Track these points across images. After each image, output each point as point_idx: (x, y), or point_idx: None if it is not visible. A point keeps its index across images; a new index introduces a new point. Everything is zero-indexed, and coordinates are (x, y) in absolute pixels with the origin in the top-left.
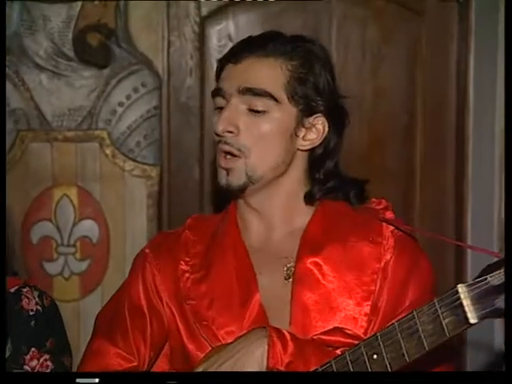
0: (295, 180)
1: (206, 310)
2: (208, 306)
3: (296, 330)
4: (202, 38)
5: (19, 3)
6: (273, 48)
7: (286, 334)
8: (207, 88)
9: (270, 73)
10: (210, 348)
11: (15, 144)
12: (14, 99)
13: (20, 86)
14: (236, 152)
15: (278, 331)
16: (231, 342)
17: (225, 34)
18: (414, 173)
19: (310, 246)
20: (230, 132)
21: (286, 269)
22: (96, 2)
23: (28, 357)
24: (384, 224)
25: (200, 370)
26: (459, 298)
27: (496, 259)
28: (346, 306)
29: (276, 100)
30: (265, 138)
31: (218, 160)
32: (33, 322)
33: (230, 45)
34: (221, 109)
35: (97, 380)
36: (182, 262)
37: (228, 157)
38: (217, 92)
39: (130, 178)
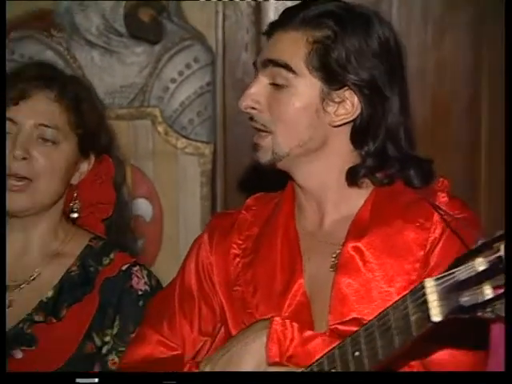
0: (338, 158)
1: (251, 297)
2: (253, 293)
3: (334, 319)
4: (258, 12)
5: None
6: (302, 18)
7: (293, 325)
8: None
9: (291, 44)
10: None
11: None
12: None
13: (72, 63)
14: (262, 128)
15: (283, 323)
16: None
17: (282, 8)
18: (480, 148)
19: (356, 231)
20: (254, 108)
21: (334, 256)
22: None
23: (134, 336)
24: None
25: (203, 363)
26: (424, 294)
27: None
28: (385, 295)
29: (295, 72)
30: (287, 113)
31: None
32: (141, 302)
33: None
34: None
35: (96, 380)
36: (235, 246)
37: (260, 133)
38: (253, 65)
39: (183, 155)
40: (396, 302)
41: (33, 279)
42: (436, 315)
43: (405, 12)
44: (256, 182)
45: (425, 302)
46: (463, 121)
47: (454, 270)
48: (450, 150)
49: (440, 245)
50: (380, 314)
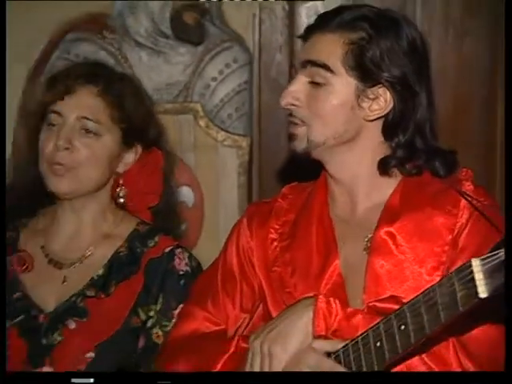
0: (368, 150)
1: (289, 277)
2: (291, 274)
3: (368, 298)
4: (291, 16)
5: None
6: (339, 22)
7: (336, 302)
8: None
9: (329, 45)
10: None
11: None
12: None
13: (123, 62)
14: (300, 123)
15: (327, 300)
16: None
17: (313, 11)
18: (495, 145)
19: (388, 217)
20: (293, 105)
21: (366, 240)
22: None
23: (176, 312)
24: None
25: (251, 339)
26: (472, 272)
27: None
28: (417, 275)
29: (332, 71)
30: (324, 109)
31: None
32: (182, 282)
33: None
34: None
35: (92, 380)
36: (272, 231)
37: (293, 124)
38: (291, 67)
39: (223, 147)
40: (441, 280)
41: (85, 258)
42: (483, 292)
43: (427, 16)
44: (288, 172)
45: (472, 280)
46: (480, 119)
47: (498, 251)
48: (467, 147)
49: (467, 229)
50: (425, 291)
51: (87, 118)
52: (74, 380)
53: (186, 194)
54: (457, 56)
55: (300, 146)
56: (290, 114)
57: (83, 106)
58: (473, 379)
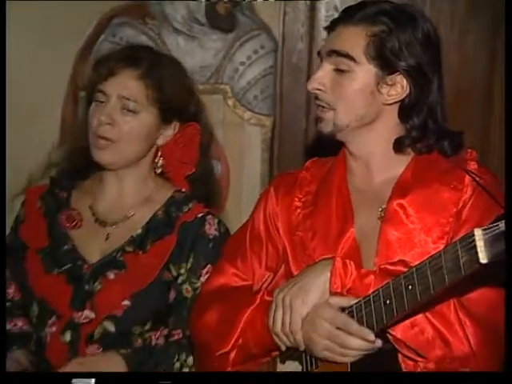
0: (385, 130)
1: (310, 241)
2: (312, 238)
3: (380, 261)
4: (312, 9)
5: None
6: (361, 16)
7: (351, 264)
8: (315, 51)
9: (352, 37)
10: None
11: None
12: None
13: (161, 46)
14: (326, 106)
15: (343, 262)
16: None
17: (332, 6)
18: (490, 131)
19: (400, 190)
20: (319, 89)
21: (380, 210)
22: None
23: (204, 271)
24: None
25: (275, 292)
26: (474, 240)
27: None
28: (424, 243)
29: (355, 60)
30: (347, 93)
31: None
32: (211, 245)
33: (336, 15)
34: None
35: (92, 381)
36: (296, 199)
37: (321, 108)
38: (318, 54)
39: (248, 125)
40: (446, 247)
41: (127, 219)
42: (483, 258)
43: (434, 15)
44: (306, 148)
45: (474, 247)
46: (478, 109)
47: (498, 223)
48: (467, 126)
49: (470, 203)
50: (431, 256)
51: (127, 98)
52: (74, 380)
53: (215, 166)
54: (458, 53)
55: (326, 128)
56: (317, 98)
57: (124, 86)
58: (473, 379)
